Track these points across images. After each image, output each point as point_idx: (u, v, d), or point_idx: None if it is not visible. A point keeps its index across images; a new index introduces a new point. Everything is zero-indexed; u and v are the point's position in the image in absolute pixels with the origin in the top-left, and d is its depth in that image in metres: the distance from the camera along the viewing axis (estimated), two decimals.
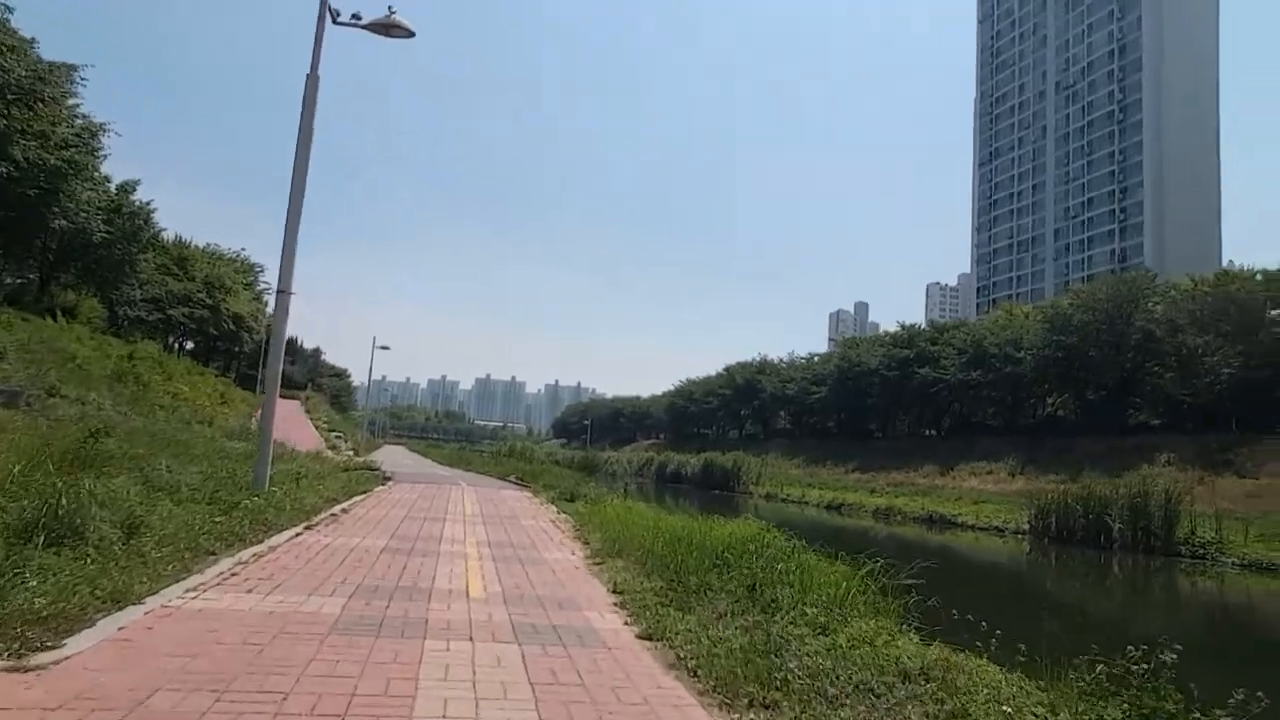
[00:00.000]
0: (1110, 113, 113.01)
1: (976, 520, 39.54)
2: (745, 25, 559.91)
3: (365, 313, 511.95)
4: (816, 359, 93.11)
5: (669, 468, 78.09)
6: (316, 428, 50.01)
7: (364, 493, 18.20)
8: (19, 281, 38.09)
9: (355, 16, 13.25)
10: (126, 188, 41.05)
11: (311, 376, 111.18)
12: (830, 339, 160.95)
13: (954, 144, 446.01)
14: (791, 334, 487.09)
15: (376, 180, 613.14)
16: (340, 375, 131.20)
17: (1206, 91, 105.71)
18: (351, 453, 42.10)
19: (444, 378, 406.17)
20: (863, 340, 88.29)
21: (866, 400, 79.14)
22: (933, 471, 62.60)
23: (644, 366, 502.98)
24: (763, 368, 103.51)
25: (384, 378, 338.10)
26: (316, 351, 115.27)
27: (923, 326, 79.37)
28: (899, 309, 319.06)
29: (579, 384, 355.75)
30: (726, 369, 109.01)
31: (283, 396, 64.44)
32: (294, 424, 50.76)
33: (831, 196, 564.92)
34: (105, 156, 34.59)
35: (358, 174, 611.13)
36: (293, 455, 25.78)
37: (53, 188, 30.63)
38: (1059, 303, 63.86)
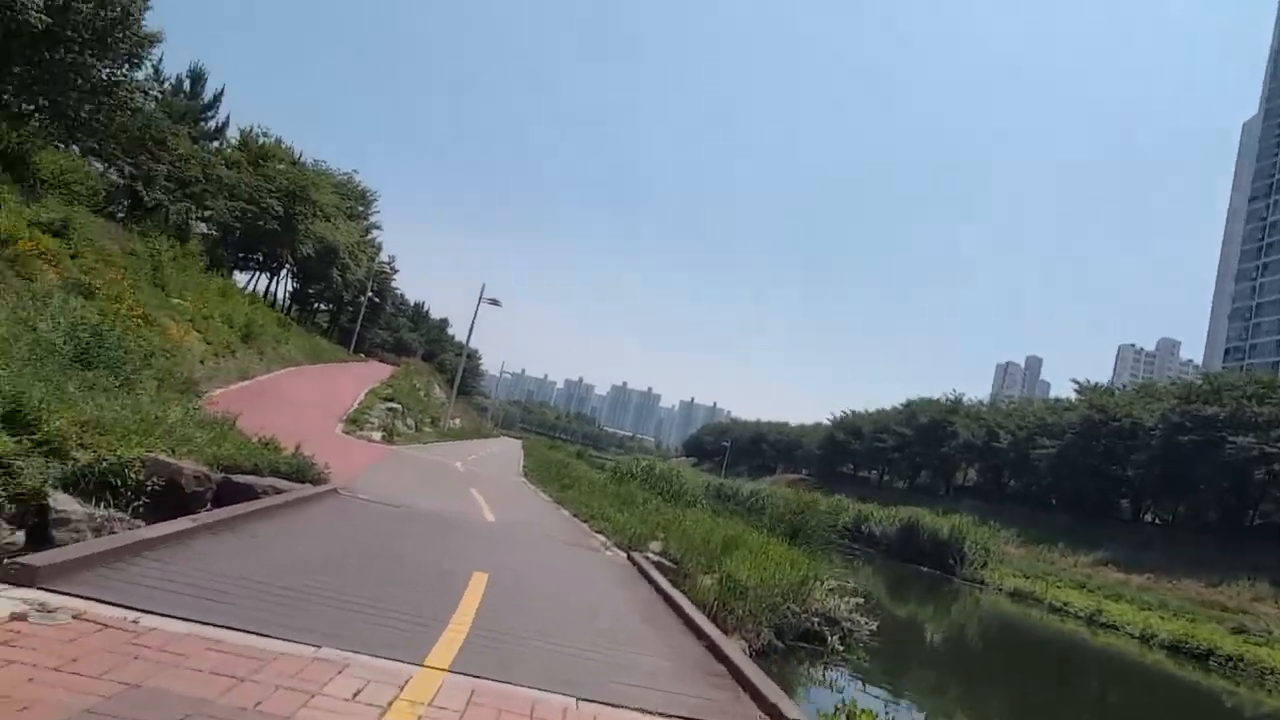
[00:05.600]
0: None
1: None
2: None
3: (511, 306, 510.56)
4: (1038, 405, 69.94)
5: (842, 519, 57.07)
6: (371, 393, 32.99)
7: None
8: None
9: None
10: None
11: (433, 349, 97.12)
12: (1012, 395, 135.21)
13: (1188, 180, 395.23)
14: (948, 381, 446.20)
15: (545, 178, 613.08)
16: (469, 357, 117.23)
17: None
18: (380, 435, 24.54)
19: (580, 380, 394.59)
20: (1121, 391, 64.68)
21: (1124, 468, 55.88)
22: (1265, 593, 39.66)
23: (782, 397, 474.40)
24: (955, 408, 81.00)
25: (522, 371, 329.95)
26: (443, 323, 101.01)
27: (1223, 376, 55.17)
28: (1075, 370, 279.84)
29: (714, 404, 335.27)
30: (907, 403, 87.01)
31: (383, 361, 47.34)
32: (323, 381, 34.08)
33: (997, 234, 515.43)
34: None
35: (526, 169, 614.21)
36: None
37: None
38: None
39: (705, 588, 11.28)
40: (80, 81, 23.79)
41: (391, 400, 32.11)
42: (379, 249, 64.95)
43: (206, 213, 40.62)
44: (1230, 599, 39.98)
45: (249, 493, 9.99)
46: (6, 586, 4.11)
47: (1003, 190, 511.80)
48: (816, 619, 13.38)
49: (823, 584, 13.70)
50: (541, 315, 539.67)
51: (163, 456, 9.92)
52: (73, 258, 22.24)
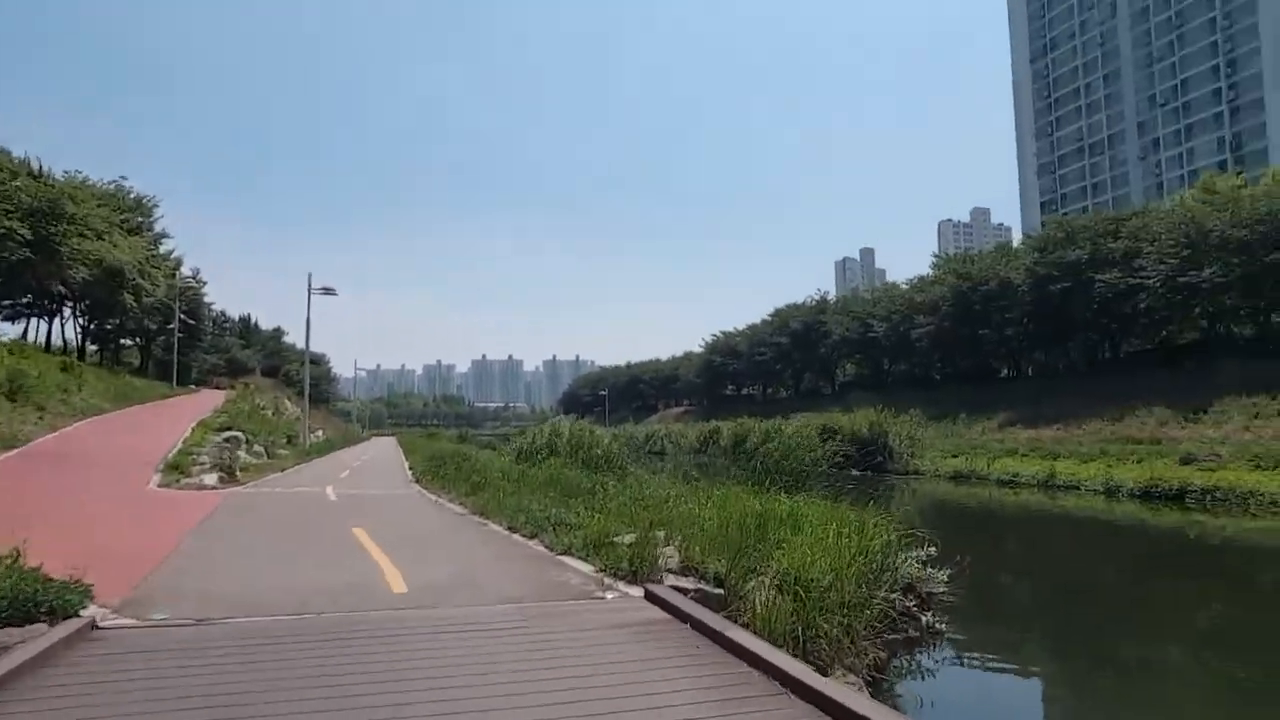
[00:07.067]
0: None
1: None
2: None
3: (353, 301, 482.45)
4: (906, 286, 69.61)
5: (750, 440, 54.30)
6: (200, 426, 26.25)
7: None
8: None
9: None
10: None
11: (274, 362, 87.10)
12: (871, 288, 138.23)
13: (970, 53, 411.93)
14: (792, 289, 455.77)
15: (352, 170, 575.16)
16: (316, 362, 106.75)
17: None
18: (217, 476, 18.44)
19: (439, 362, 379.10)
20: (982, 254, 65.13)
21: (1002, 329, 55.90)
22: (1167, 417, 39.78)
23: (644, 338, 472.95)
24: (823, 307, 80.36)
25: (378, 366, 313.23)
26: (278, 332, 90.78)
27: (1075, 220, 55.69)
28: (904, 255, 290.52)
29: (578, 357, 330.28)
30: (775, 313, 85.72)
31: (219, 387, 39.19)
32: (134, 427, 27.31)
33: (814, 138, 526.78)
34: None
35: (335, 166, 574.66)
36: None
37: None
38: None
39: (773, 609, 6.86)
40: None
41: (229, 429, 25.58)
42: (178, 263, 55.48)
43: None
44: (1138, 430, 39.82)
45: None
46: None
47: (796, 95, 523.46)
48: (896, 595, 9.32)
49: (900, 546, 9.54)
50: (382, 303, 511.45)
51: None
52: None
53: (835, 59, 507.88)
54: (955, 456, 39.01)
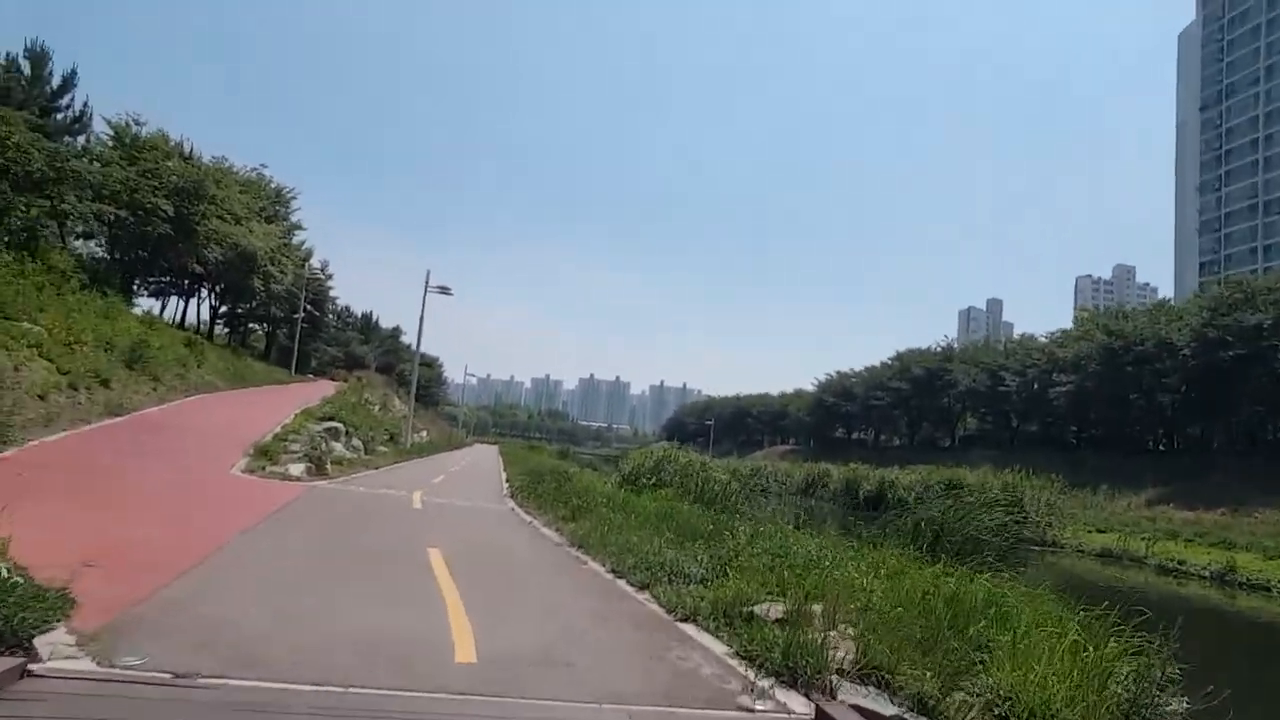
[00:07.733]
0: None
1: None
2: None
3: (464, 307, 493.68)
4: (1046, 341, 64.33)
5: (863, 489, 50.65)
6: (303, 414, 25.62)
7: None
8: None
9: None
10: None
11: (390, 360, 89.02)
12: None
13: (1118, 107, 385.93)
14: (909, 335, 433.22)
15: (480, 187, 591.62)
16: (428, 364, 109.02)
17: None
18: (304, 467, 17.25)
19: (548, 376, 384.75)
20: (1136, 312, 59.61)
21: (1153, 396, 50.48)
22: None
23: (753, 371, 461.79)
24: (949, 355, 75.58)
25: (488, 375, 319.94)
26: (396, 331, 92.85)
27: (1256, 280, 49.63)
28: (1033, 310, 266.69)
29: (685, 385, 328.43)
30: (897, 356, 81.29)
31: (335, 379, 39.35)
32: (242, 407, 27.09)
33: (941, 180, 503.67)
34: None
35: (462, 181, 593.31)
36: None
37: None
38: None
39: None
40: None
41: (330, 420, 24.81)
42: (308, 254, 56.87)
43: (81, 227, 33.15)
44: None
45: None
46: None
47: (932, 135, 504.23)
48: None
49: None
50: (499, 316, 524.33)
51: None
52: None
53: (967, 96, 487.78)
54: (1102, 532, 34.64)
